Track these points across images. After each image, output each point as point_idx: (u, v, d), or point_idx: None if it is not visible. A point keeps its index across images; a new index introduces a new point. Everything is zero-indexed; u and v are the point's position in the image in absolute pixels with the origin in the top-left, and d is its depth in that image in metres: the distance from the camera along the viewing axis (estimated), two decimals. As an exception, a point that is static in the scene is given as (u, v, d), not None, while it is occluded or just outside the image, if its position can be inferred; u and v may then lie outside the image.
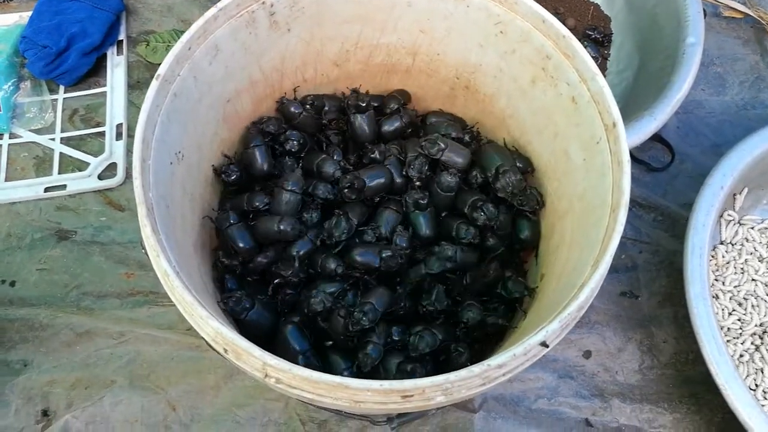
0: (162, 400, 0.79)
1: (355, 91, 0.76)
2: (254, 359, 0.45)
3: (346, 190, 0.69)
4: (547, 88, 0.64)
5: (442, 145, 0.70)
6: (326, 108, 0.76)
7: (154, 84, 0.53)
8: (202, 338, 0.49)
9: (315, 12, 0.66)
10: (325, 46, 0.71)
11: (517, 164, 0.70)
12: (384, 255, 0.66)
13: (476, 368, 0.44)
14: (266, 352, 0.45)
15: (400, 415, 0.71)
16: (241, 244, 0.67)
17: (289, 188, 0.68)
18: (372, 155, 0.72)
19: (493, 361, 0.44)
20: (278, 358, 0.44)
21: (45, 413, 0.78)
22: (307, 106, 0.74)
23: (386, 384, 0.43)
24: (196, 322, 0.48)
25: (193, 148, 0.62)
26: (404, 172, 0.71)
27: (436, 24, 0.68)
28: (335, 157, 0.73)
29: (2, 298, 0.85)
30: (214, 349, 0.49)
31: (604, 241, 0.51)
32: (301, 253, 0.67)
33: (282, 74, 0.71)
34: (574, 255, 0.57)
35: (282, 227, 0.66)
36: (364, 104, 0.75)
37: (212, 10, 0.58)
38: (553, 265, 0.63)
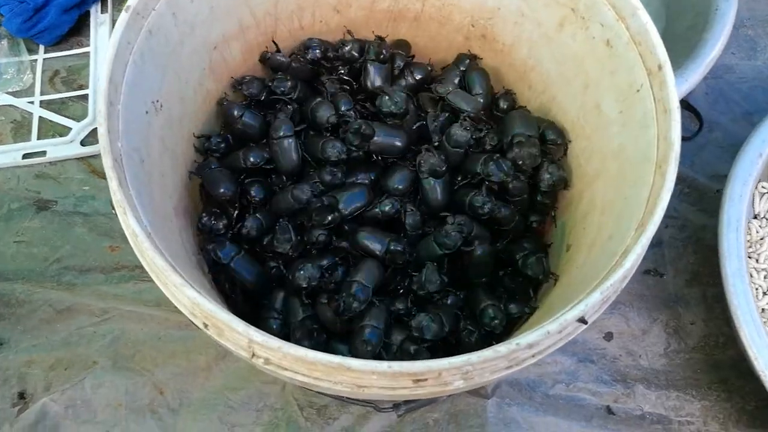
0: (148, 383, 0.74)
1: (380, 38, 0.70)
2: (238, 335, 0.38)
3: (350, 134, 0.62)
4: (577, 32, 0.56)
5: (450, 88, 0.65)
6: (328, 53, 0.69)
7: (124, 16, 0.46)
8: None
9: (312, -56, 0.59)
10: (324, -14, 0.64)
11: (550, 135, 0.63)
12: (392, 247, 0.60)
13: (503, 348, 0.37)
14: (252, 327, 0.38)
15: (407, 401, 0.65)
16: (221, 189, 0.61)
17: (281, 135, 0.62)
18: (388, 105, 0.64)
19: (523, 339, 0.37)
20: (267, 334, 0.38)
21: (21, 396, 0.73)
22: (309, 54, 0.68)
23: (395, 365, 0.36)
24: (171, 292, 0.41)
25: (175, 98, 0.55)
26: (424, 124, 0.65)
27: (448, -40, 0.61)
28: (343, 108, 0.66)
29: (-24, 272, 0.80)
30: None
31: (649, 201, 0.44)
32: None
33: (276, 19, 0.64)
34: (609, 221, 0.50)
35: (296, 194, 0.61)
36: (385, 54, 0.69)
37: (191, -65, 0.50)
38: (582, 235, 0.56)
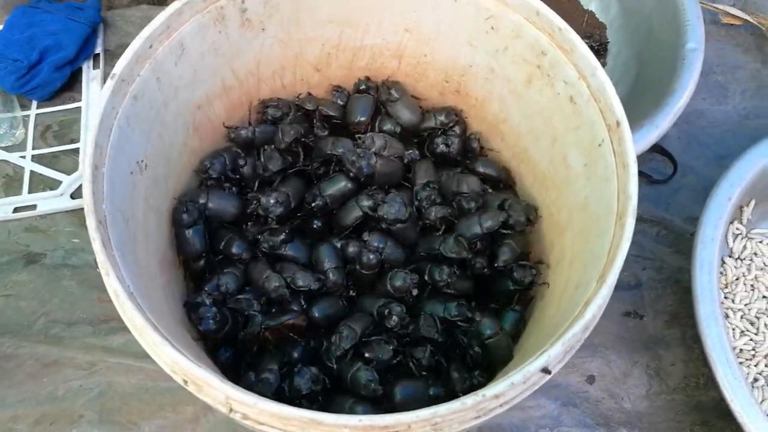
0: (135, 436, 0.74)
1: (338, 88, 0.72)
2: (216, 392, 0.39)
3: (314, 206, 0.65)
4: (544, 88, 0.59)
5: (396, 95, 0.69)
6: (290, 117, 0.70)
7: (109, 84, 0.48)
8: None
9: (291, 9, 0.62)
10: (304, 48, 0.66)
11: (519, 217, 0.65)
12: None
13: (469, 399, 0.38)
14: (229, 384, 0.39)
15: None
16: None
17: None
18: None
19: (489, 391, 0.38)
20: (243, 390, 0.39)
21: (6, 452, 0.73)
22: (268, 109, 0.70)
23: (366, 419, 0.37)
24: (152, 349, 0.42)
25: (160, 158, 0.57)
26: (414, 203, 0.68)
27: (422, 20, 0.64)
28: (340, 150, 0.68)
29: (-36, 326, 0.80)
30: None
31: (610, 252, 0.46)
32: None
33: (258, 79, 0.66)
34: (577, 271, 0.52)
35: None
36: (363, 87, 0.71)
37: (176, 4, 0.53)
38: (554, 284, 0.58)
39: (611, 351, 0.81)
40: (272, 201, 0.64)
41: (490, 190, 0.69)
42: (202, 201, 0.63)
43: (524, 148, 0.66)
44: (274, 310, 0.63)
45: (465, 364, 0.61)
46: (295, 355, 0.61)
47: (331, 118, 0.71)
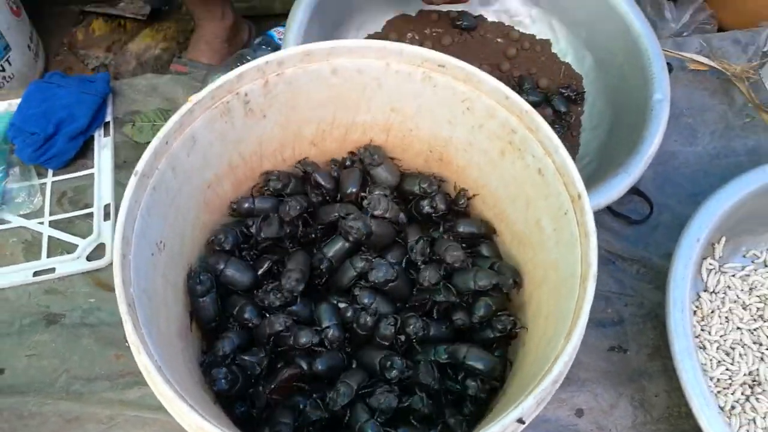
0: (151, 488, 0.77)
1: (335, 162, 0.79)
2: (236, 454, 0.45)
3: (322, 268, 0.70)
4: (516, 161, 0.66)
5: (378, 160, 0.74)
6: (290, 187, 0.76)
7: (133, 180, 0.55)
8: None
9: (289, 98, 0.68)
10: (301, 128, 0.73)
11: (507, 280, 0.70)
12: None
13: (451, 453, 0.44)
14: (248, 446, 0.45)
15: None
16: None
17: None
18: (357, 231, 0.70)
19: (470, 443, 0.44)
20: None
21: None
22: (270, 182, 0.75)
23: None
24: (179, 416, 0.48)
25: (176, 237, 0.63)
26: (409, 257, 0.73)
27: (406, 103, 0.71)
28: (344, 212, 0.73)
29: (-9, 386, 0.84)
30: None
31: (575, 312, 0.52)
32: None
33: (261, 156, 0.73)
34: (550, 326, 0.58)
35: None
36: (348, 163, 0.77)
37: (187, 105, 0.60)
38: (532, 335, 0.63)
39: (597, 385, 0.85)
40: (293, 282, 0.69)
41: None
42: (220, 267, 0.69)
43: (502, 210, 0.72)
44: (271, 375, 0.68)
45: (459, 409, 0.67)
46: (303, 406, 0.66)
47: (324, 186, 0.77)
